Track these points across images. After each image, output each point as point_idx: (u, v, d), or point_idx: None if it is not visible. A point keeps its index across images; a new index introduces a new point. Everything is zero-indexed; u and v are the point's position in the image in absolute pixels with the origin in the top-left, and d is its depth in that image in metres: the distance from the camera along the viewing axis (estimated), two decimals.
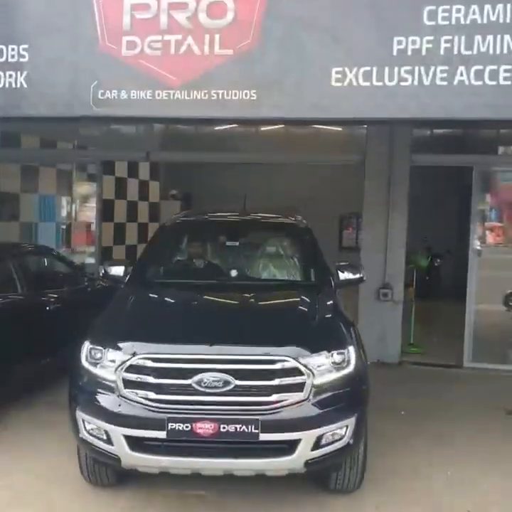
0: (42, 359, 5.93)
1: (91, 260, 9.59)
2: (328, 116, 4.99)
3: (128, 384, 3.64)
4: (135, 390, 3.62)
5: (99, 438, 3.70)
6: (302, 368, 3.60)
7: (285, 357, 3.60)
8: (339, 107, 4.76)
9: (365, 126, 7.90)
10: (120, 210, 12.03)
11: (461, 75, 4.53)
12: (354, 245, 12.69)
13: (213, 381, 3.54)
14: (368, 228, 8.00)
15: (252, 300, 4.58)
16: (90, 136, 9.73)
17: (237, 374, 3.57)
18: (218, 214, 6.22)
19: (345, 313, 4.56)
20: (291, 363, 3.59)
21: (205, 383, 3.55)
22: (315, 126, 8.96)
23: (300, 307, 4.47)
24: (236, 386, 3.55)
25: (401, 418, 5.63)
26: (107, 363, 3.75)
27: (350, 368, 3.77)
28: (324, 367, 3.68)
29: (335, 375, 3.70)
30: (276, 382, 3.57)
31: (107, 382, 3.70)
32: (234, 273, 5.20)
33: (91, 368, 3.81)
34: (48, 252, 7.16)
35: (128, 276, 5.01)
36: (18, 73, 5.15)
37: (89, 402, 3.76)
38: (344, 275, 5.00)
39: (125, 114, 5.17)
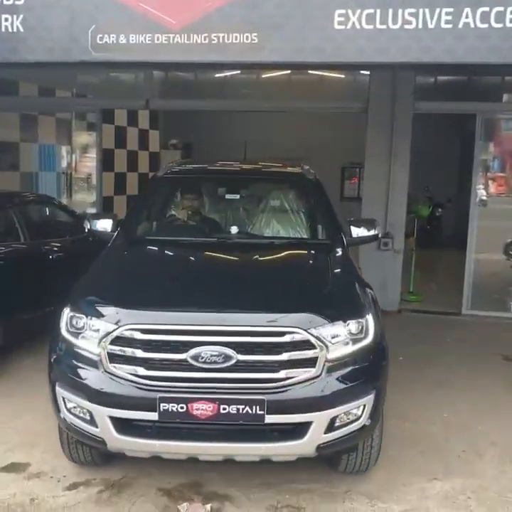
0: (45, 307, 6.01)
1: (92, 210, 9.60)
2: (330, 60, 4.90)
3: (114, 358, 3.23)
4: (122, 365, 3.21)
5: (81, 418, 3.32)
6: (314, 341, 3.19)
7: (295, 328, 3.18)
8: (341, 51, 4.69)
9: (368, 72, 7.78)
10: (120, 160, 11.95)
11: (467, 17, 4.44)
12: (355, 196, 12.67)
13: (212, 356, 3.14)
14: (370, 177, 7.96)
15: (256, 261, 4.09)
16: (89, 84, 9.58)
17: (240, 347, 3.16)
18: (217, 163, 5.72)
19: (360, 275, 4.07)
20: (301, 335, 3.18)
21: (202, 358, 3.14)
22: (317, 72, 8.82)
23: (310, 269, 4.03)
24: (238, 361, 3.15)
25: (399, 364, 5.71)
26: (89, 333, 3.33)
27: (369, 340, 3.37)
28: (339, 339, 3.27)
29: (351, 348, 3.30)
30: (284, 356, 3.17)
31: (90, 356, 3.28)
32: (234, 230, 4.65)
33: (72, 339, 3.39)
34: (50, 201, 7.15)
35: (116, 232, 4.55)
36: (14, 17, 5.06)
37: (70, 378, 3.34)
38: (358, 231, 4.55)
39: (124, 59, 5.10)
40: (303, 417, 3.19)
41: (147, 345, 3.19)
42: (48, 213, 6.90)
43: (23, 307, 5.64)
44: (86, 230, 4.76)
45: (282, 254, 4.29)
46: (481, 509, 3.49)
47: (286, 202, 5.06)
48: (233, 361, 3.15)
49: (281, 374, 3.17)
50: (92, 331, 3.32)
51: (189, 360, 3.15)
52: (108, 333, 3.23)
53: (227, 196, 5.13)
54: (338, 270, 4.02)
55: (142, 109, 10.80)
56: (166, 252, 4.41)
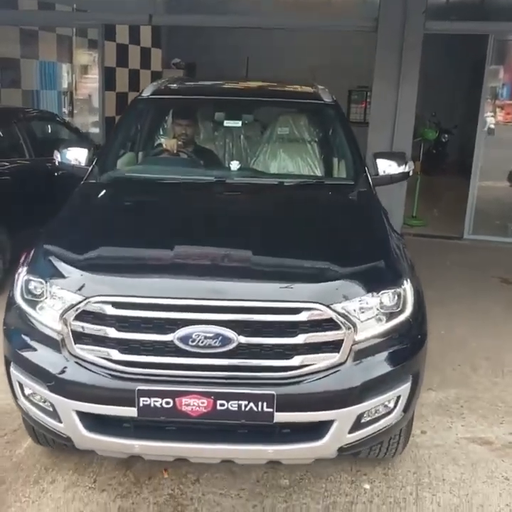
0: None
1: (95, 130, 9.50)
2: None
3: (80, 337, 2.51)
4: (91, 347, 2.50)
5: (42, 409, 2.65)
6: (338, 319, 2.46)
7: (313, 303, 2.45)
8: None
9: None
10: (122, 79, 11.72)
11: None
12: (362, 120, 12.50)
13: (206, 338, 2.41)
14: (377, 100, 7.84)
15: (261, 211, 3.29)
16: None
17: (242, 327, 2.43)
18: (214, 82, 4.90)
19: (391, 225, 3.29)
20: (321, 312, 2.45)
21: (193, 340, 2.41)
22: None
23: (330, 222, 3.17)
24: (240, 345, 2.43)
25: None
26: (49, 303, 2.60)
27: (406, 313, 2.66)
28: (370, 314, 2.56)
29: (384, 326, 2.59)
30: (299, 339, 2.44)
31: (51, 333, 2.58)
32: (235, 166, 3.80)
33: (28, 309, 2.66)
34: (54, 117, 7.09)
35: (91, 166, 3.77)
36: None
37: (27, 360, 2.63)
38: (385, 168, 3.79)
39: None
40: (322, 415, 2.52)
41: (122, 323, 2.47)
42: (52, 130, 6.86)
43: (28, 223, 5.70)
44: (56, 163, 4.00)
45: (294, 200, 3.48)
46: (472, 416, 3.68)
47: (298, 131, 4.28)
48: (233, 345, 2.42)
49: (296, 361, 2.46)
50: (52, 301, 2.59)
51: (176, 342, 2.43)
52: (72, 306, 2.49)
53: (227, 123, 4.25)
54: (366, 222, 3.21)
55: (145, 25, 10.48)
56: (149, 196, 3.48)
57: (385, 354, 2.61)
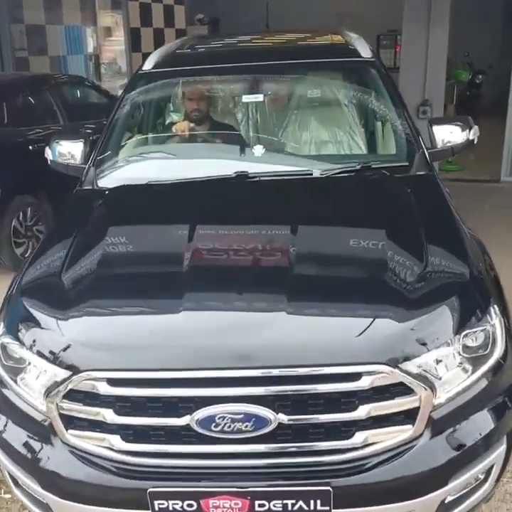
0: None
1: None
2: None
3: (72, 422, 1.96)
4: (86, 433, 1.95)
5: (38, 505, 2.11)
6: (410, 381, 1.85)
7: (376, 365, 1.83)
8: None
9: None
10: (147, 39, 11.64)
11: None
12: (392, 65, 12.20)
13: (234, 421, 1.82)
14: (408, 43, 7.67)
15: (293, 226, 2.35)
16: None
17: (282, 402, 1.84)
18: (228, 41, 4.13)
19: (467, 228, 2.52)
20: (388, 375, 1.84)
21: (217, 425, 1.83)
22: None
23: (386, 235, 2.29)
24: (281, 426, 1.84)
25: None
26: (33, 375, 2.04)
27: (497, 354, 2.01)
28: (452, 366, 1.95)
29: (471, 378, 1.96)
30: (360, 412, 1.84)
31: (37, 415, 2.04)
32: (259, 151, 3.04)
33: (9, 381, 2.10)
34: (83, 81, 7.14)
35: (87, 166, 3.05)
36: None
37: (12, 446, 2.09)
38: (444, 136, 3.06)
39: None
40: (396, 509, 1.91)
41: (122, 403, 1.90)
42: (82, 94, 6.91)
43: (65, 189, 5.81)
44: (48, 160, 3.31)
45: (335, 202, 2.66)
46: None
47: (331, 98, 3.49)
48: (272, 426, 1.82)
49: (357, 440, 1.86)
50: (35, 373, 2.03)
51: (195, 427, 1.84)
52: (57, 384, 1.93)
53: (246, 98, 3.39)
54: (433, 231, 2.35)
55: None
56: (156, 213, 2.68)
57: (474, 415, 1.98)
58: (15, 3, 8.73)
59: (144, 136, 3.51)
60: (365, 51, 3.37)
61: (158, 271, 2.31)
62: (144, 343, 1.95)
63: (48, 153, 3.27)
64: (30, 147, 5.36)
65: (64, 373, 1.93)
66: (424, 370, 1.89)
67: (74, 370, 1.92)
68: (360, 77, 3.49)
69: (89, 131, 6.17)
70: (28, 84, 6.08)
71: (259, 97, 3.35)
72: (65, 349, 1.96)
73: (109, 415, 1.89)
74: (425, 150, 2.96)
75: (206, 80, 3.53)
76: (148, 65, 3.43)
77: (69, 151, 3.20)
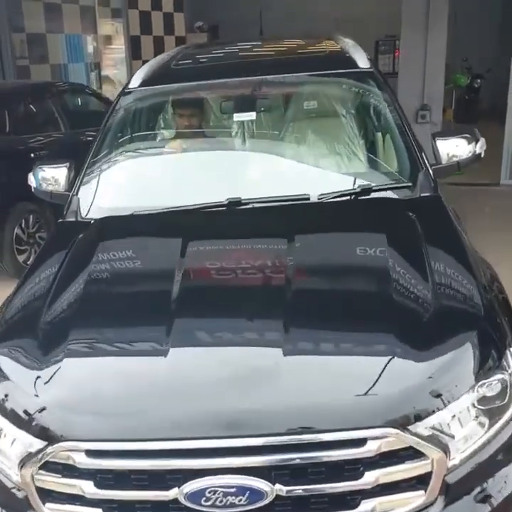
0: None
1: None
2: None
3: (49, 495, 1.76)
4: (65, 507, 1.76)
5: None
6: (421, 445, 1.66)
7: (383, 429, 1.64)
8: None
9: None
10: (147, 47, 11.71)
11: None
12: (390, 71, 12.24)
13: (226, 494, 1.63)
14: (406, 48, 7.71)
15: (289, 264, 2.15)
16: None
17: (279, 472, 1.65)
18: (220, 52, 3.90)
19: (472, 247, 2.37)
20: (396, 439, 1.65)
21: (208, 499, 1.64)
22: None
23: (389, 271, 2.07)
24: (279, 498, 1.65)
25: None
26: (6, 442, 1.83)
27: None
28: (466, 422, 1.73)
29: (488, 433, 1.76)
30: (366, 479, 1.65)
31: (12, 486, 1.83)
32: (252, 174, 2.91)
33: None
34: (84, 89, 7.19)
35: (70, 195, 2.83)
36: None
37: None
38: (449, 150, 2.80)
39: None
40: None
41: (104, 476, 1.70)
42: (83, 102, 6.96)
43: None
44: (32, 188, 3.10)
45: (332, 234, 2.45)
46: None
47: (333, 116, 3.18)
48: (269, 499, 1.63)
49: (364, 509, 1.67)
50: (8, 440, 1.82)
51: (183, 501, 1.65)
52: (31, 455, 1.73)
53: (238, 117, 3.14)
54: (440, 264, 2.14)
55: None
56: (139, 252, 2.47)
57: (492, 476, 1.78)
58: (16, 12, 8.80)
59: (130, 161, 3.14)
60: (362, 61, 3.13)
61: (141, 322, 2.04)
62: (126, 408, 1.74)
63: (32, 180, 3.04)
64: (32, 155, 5.39)
65: (39, 443, 1.73)
66: (437, 430, 1.68)
67: (49, 439, 1.71)
68: (358, 89, 3.24)
69: (90, 138, 6.29)
70: (29, 92, 6.12)
71: (252, 115, 3.10)
72: (40, 411, 1.75)
73: (89, 488, 1.70)
74: (429, 168, 2.71)
75: (196, 96, 3.32)
76: (135, 82, 3.19)
77: (53, 176, 2.98)
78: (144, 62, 11.40)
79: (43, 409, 1.76)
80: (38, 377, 1.83)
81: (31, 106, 5.95)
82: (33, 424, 1.76)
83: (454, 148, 2.83)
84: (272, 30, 10.83)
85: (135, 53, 10.26)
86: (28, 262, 4.92)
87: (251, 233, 2.49)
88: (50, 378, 1.82)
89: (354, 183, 2.70)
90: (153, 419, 1.69)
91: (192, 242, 2.34)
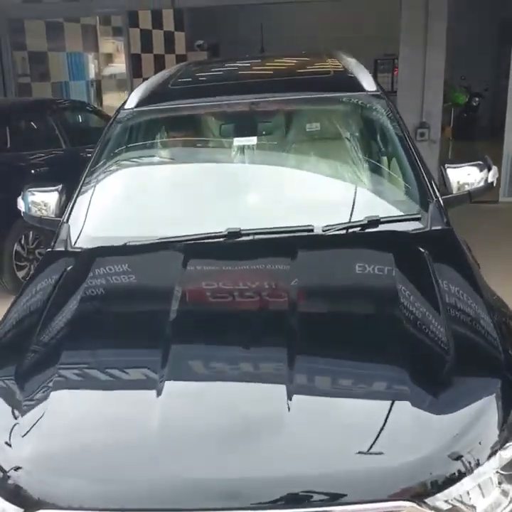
0: None
1: None
2: None
3: None
4: None
5: None
6: None
7: (397, 502, 1.44)
8: None
9: None
10: (148, 65, 11.80)
11: None
12: (390, 89, 12.34)
13: None
14: (405, 67, 7.76)
15: (291, 303, 1.99)
16: None
17: None
18: (219, 72, 3.72)
19: (493, 301, 2.09)
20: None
21: None
22: None
23: (399, 319, 1.88)
24: None
25: None
26: None
27: None
28: (488, 490, 1.53)
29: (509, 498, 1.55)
30: None
31: None
32: (252, 202, 2.74)
33: None
34: (84, 106, 7.23)
35: (60, 223, 2.62)
36: None
37: None
38: (459, 179, 2.68)
39: None
40: None
41: None
42: (84, 119, 6.99)
43: None
44: (21, 213, 2.96)
45: (343, 267, 2.25)
46: None
47: (338, 142, 2.99)
48: None
49: None
50: None
51: None
52: None
53: (238, 142, 2.97)
54: (458, 306, 1.99)
55: (168, 9, 10.53)
56: (139, 290, 2.29)
57: None
58: (17, 30, 8.89)
59: (125, 187, 2.94)
60: (368, 83, 2.90)
61: (130, 376, 1.83)
62: (112, 475, 1.52)
63: (21, 205, 2.87)
64: (33, 171, 5.42)
65: (12, 510, 1.49)
66: (458, 501, 1.45)
67: (25, 505, 1.47)
68: (365, 113, 3.03)
69: (90, 155, 6.30)
70: (30, 109, 6.16)
71: (253, 140, 2.93)
72: (15, 470, 1.52)
73: None
74: (440, 198, 2.53)
75: (195, 119, 3.18)
76: (131, 102, 2.99)
77: (43, 201, 2.81)
78: (145, 79, 11.55)
79: (18, 468, 1.52)
80: (16, 424, 1.62)
81: (31, 123, 5.98)
82: (7, 484, 1.51)
83: (466, 177, 2.68)
84: (273, 49, 10.92)
85: (136, 71, 10.33)
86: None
87: (251, 271, 2.29)
88: (30, 428, 1.60)
89: (361, 214, 2.43)
90: (142, 489, 1.48)
91: (187, 279, 2.17)
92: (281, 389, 1.62)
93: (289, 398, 1.59)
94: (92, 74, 10.95)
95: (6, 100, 7.65)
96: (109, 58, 11.13)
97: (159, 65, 12.20)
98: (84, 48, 10.56)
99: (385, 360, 1.73)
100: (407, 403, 1.54)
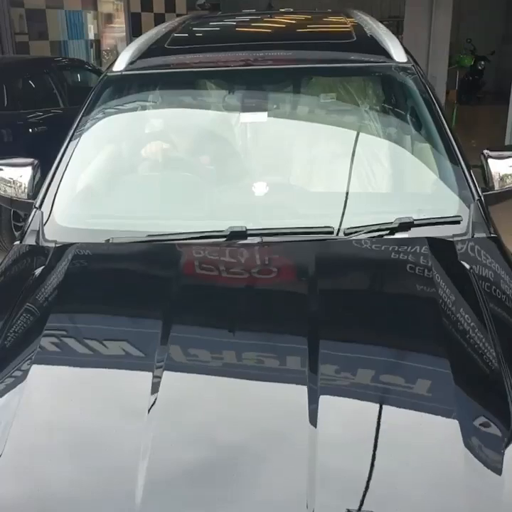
0: None
1: None
2: None
3: None
4: None
5: None
6: None
7: None
8: None
9: None
10: (148, 24, 11.57)
11: None
12: None
13: None
14: (410, 28, 7.64)
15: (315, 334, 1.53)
16: None
17: None
18: (224, 29, 3.28)
19: None
20: None
21: None
22: None
23: (456, 365, 1.43)
24: None
25: None
26: None
27: None
28: None
29: None
30: None
31: None
32: (259, 194, 2.27)
33: None
34: (83, 65, 7.11)
35: (33, 212, 2.13)
36: None
37: None
38: (500, 170, 2.21)
39: None
40: None
41: None
42: (82, 78, 6.88)
43: None
44: None
45: (369, 289, 1.87)
46: None
47: (362, 125, 2.52)
48: None
49: None
50: None
51: None
52: None
53: (244, 118, 2.49)
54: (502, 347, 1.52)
55: None
56: (119, 304, 1.80)
57: None
58: None
59: (109, 168, 2.48)
60: (398, 52, 2.40)
61: (110, 422, 1.41)
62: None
63: None
64: (31, 130, 5.34)
65: None
66: None
67: None
68: (394, 90, 2.56)
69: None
70: (27, 67, 6.04)
71: (262, 116, 2.46)
72: None
73: None
74: (482, 196, 2.07)
75: (194, 85, 2.66)
76: (119, 65, 2.48)
77: (11, 178, 2.32)
78: None
79: None
80: None
81: (30, 81, 5.87)
82: None
83: (508, 169, 2.22)
84: (279, 3, 10.65)
85: (135, 30, 10.15)
86: None
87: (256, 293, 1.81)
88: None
89: (389, 212, 2.00)
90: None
91: (180, 296, 1.72)
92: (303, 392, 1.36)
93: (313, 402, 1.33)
94: (91, 33, 10.74)
95: (3, 58, 7.51)
96: (109, 18, 10.92)
97: (159, 24, 11.98)
98: (83, 6, 10.34)
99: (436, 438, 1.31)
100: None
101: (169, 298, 1.69)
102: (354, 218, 2.00)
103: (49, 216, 2.11)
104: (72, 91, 6.20)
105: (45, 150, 4.70)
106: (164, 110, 2.75)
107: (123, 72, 2.46)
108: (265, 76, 2.52)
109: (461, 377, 1.40)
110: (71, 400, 1.46)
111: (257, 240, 1.92)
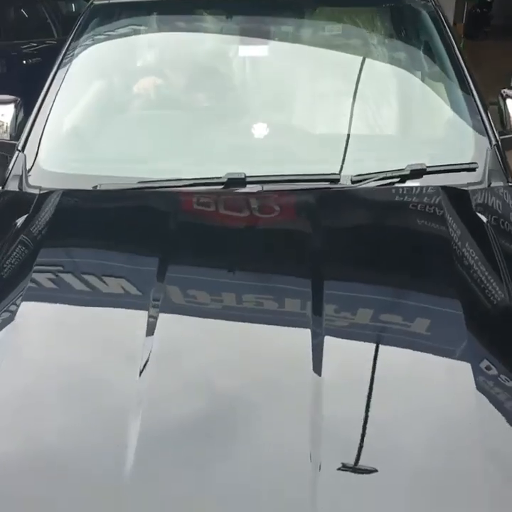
0: None
1: None
2: None
3: None
4: None
5: None
6: None
7: None
8: None
9: None
10: None
11: None
12: None
13: None
14: None
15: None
16: None
17: None
18: None
19: None
20: None
21: None
22: None
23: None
24: None
25: None
26: None
27: None
28: None
29: None
30: None
31: None
32: (258, 137, 2.13)
33: None
34: None
35: (15, 154, 2.01)
36: None
37: None
38: None
39: None
40: None
41: None
42: (78, 8, 6.67)
43: None
44: None
45: (376, 244, 1.63)
46: None
47: (373, 64, 2.32)
48: None
49: None
50: None
51: None
52: None
53: (244, 51, 2.34)
54: None
55: None
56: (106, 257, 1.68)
57: None
58: None
59: (97, 107, 2.29)
60: None
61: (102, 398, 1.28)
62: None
63: None
64: (24, 61, 5.23)
65: None
66: None
67: None
68: (409, 28, 2.38)
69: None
70: None
71: (263, 50, 2.29)
72: None
73: None
74: (499, 141, 1.91)
75: (188, 15, 2.42)
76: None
77: None
78: None
79: None
80: None
81: (22, 10, 5.71)
82: None
83: None
84: None
85: None
86: None
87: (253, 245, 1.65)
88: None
89: (400, 159, 1.87)
90: None
91: (172, 257, 1.56)
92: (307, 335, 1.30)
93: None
94: None
95: None
96: None
97: None
98: None
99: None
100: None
101: (166, 239, 1.61)
102: (362, 164, 1.87)
103: (34, 160, 1.97)
104: (67, 21, 6.01)
105: (39, 82, 4.58)
106: (155, 42, 2.51)
107: (110, 1, 2.32)
108: (266, 6, 2.35)
109: (472, 320, 1.34)
110: (61, 340, 1.40)
111: (257, 188, 1.79)
